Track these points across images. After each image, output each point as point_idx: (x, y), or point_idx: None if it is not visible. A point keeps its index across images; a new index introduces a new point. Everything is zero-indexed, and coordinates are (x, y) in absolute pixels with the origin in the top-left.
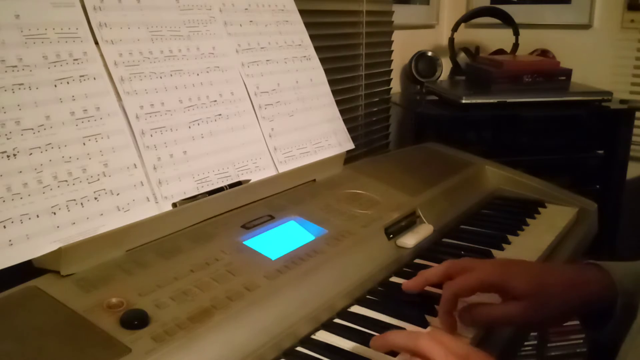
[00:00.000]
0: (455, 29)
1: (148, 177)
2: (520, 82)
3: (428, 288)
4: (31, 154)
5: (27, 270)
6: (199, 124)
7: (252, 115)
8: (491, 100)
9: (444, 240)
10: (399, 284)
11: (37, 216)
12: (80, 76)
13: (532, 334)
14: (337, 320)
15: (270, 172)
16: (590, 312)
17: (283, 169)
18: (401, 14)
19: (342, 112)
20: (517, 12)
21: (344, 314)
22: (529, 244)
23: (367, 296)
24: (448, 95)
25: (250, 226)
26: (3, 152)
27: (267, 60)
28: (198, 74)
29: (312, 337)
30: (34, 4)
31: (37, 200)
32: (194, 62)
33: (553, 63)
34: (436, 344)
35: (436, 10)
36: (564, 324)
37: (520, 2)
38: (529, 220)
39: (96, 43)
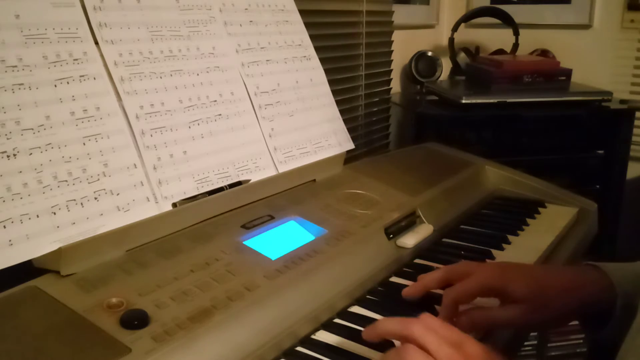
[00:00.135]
0: (455, 29)
1: (148, 177)
2: (520, 82)
3: None
4: (31, 154)
5: (27, 270)
6: (199, 124)
7: (252, 115)
8: (491, 100)
9: (444, 240)
10: (399, 284)
11: (37, 216)
12: (80, 76)
13: (532, 334)
14: (337, 320)
15: (270, 172)
16: (589, 313)
17: (283, 169)
18: (401, 14)
19: (342, 112)
20: (517, 12)
21: (344, 314)
22: (529, 244)
23: (367, 296)
24: (448, 95)
25: (250, 226)
26: (3, 152)
27: (267, 60)
28: (198, 74)
29: (312, 337)
30: (34, 4)
31: (37, 200)
32: (194, 62)
33: (553, 63)
34: (429, 331)
35: (436, 10)
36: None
37: (520, 2)
38: (529, 220)
39: (96, 43)
